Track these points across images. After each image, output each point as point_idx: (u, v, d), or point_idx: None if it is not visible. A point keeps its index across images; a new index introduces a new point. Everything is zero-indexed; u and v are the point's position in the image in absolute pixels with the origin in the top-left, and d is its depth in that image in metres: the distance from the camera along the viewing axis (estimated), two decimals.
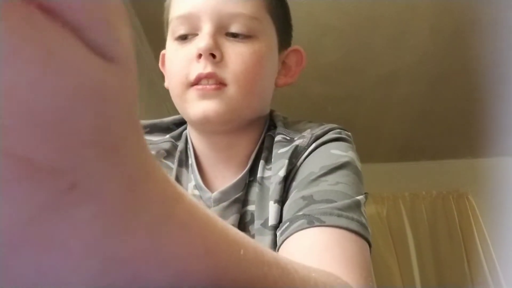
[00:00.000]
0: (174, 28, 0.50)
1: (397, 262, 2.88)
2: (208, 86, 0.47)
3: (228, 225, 0.18)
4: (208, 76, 0.47)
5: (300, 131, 0.52)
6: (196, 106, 0.48)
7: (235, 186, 0.50)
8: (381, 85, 2.37)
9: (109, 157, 0.12)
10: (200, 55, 0.47)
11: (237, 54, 0.48)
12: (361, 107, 2.57)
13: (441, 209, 3.03)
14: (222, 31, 0.49)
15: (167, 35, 0.54)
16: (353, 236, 0.38)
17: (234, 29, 0.49)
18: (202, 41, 0.47)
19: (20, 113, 0.10)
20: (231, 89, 0.48)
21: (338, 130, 0.51)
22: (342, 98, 2.47)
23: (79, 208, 0.11)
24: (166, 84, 0.56)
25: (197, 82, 0.48)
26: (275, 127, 0.55)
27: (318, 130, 0.50)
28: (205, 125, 0.50)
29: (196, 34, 0.49)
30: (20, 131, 0.10)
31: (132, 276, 0.13)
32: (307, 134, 0.50)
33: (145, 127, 0.58)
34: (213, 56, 0.47)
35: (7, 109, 0.10)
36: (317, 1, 1.80)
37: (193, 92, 0.48)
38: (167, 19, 0.54)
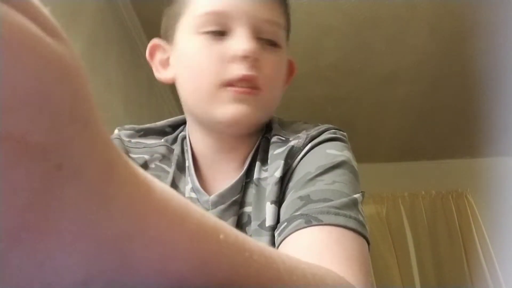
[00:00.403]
0: (201, 23, 0.48)
1: (396, 262, 2.88)
2: (245, 89, 0.47)
3: (206, 213, 0.19)
4: (251, 79, 0.47)
5: (295, 132, 0.52)
6: (226, 107, 0.47)
7: (232, 189, 0.51)
8: (381, 85, 2.37)
9: (85, 133, 0.13)
10: (241, 57, 0.47)
11: (270, 61, 0.49)
12: (361, 108, 2.57)
13: (441, 209, 3.04)
14: (255, 36, 0.49)
15: (176, 27, 0.52)
16: (351, 234, 0.38)
17: (266, 35, 0.49)
18: (247, 43, 0.47)
19: (12, 95, 0.11)
20: (263, 95, 0.48)
21: (333, 130, 0.51)
22: (342, 98, 2.47)
23: (66, 188, 0.12)
24: (160, 76, 0.54)
25: (233, 83, 0.47)
26: (270, 129, 0.55)
27: (313, 131, 0.50)
28: (232, 127, 0.49)
29: (225, 33, 0.48)
30: (15, 112, 0.11)
31: (121, 261, 0.14)
32: (303, 134, 0.50)
33: (139, 130, 0.58)
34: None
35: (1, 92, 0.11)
36: (317, 1, 1.80)
37: (226, 93, 0.47)
38: (181, 11, 0.51)
